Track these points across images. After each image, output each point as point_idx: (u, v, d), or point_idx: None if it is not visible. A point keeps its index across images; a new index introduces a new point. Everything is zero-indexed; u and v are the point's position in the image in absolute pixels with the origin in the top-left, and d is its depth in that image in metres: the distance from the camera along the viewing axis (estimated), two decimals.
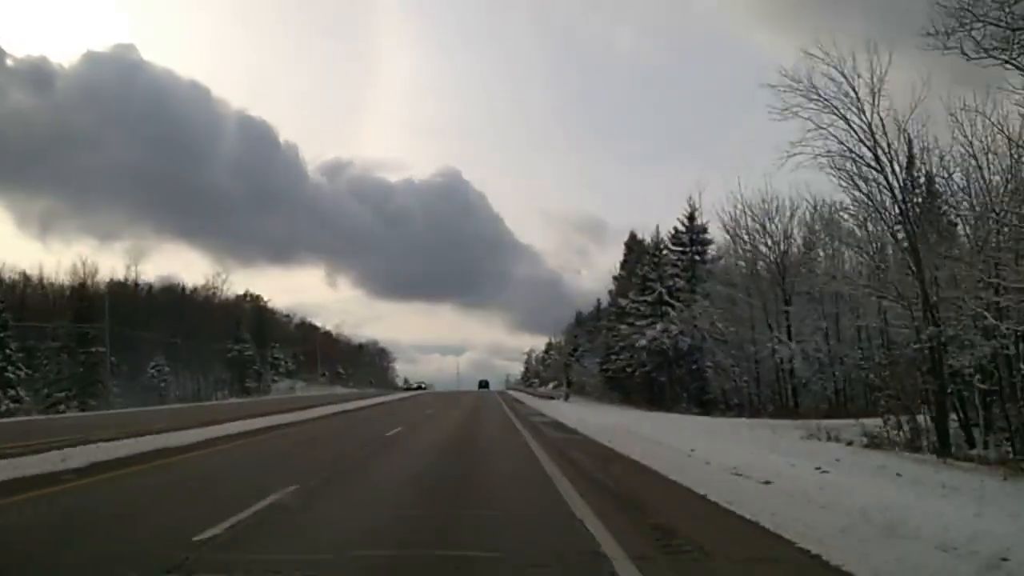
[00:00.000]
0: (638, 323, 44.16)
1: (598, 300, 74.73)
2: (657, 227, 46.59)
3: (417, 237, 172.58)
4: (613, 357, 50.01)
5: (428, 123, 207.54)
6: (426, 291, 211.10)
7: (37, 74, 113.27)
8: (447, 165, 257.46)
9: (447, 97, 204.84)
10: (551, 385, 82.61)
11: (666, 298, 42.89)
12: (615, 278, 58.77)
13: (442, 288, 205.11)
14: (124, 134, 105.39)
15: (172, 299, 76.36)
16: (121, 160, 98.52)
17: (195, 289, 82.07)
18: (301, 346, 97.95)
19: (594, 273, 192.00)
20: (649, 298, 44.21)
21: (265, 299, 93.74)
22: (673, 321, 40.87)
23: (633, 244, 56.19)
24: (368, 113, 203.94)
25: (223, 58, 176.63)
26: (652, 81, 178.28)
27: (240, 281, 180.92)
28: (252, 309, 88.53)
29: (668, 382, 42.09)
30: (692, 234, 43.80)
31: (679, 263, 43.94)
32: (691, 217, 43.72)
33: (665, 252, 45.41)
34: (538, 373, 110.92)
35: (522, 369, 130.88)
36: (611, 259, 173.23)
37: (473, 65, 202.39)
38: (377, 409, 36.34)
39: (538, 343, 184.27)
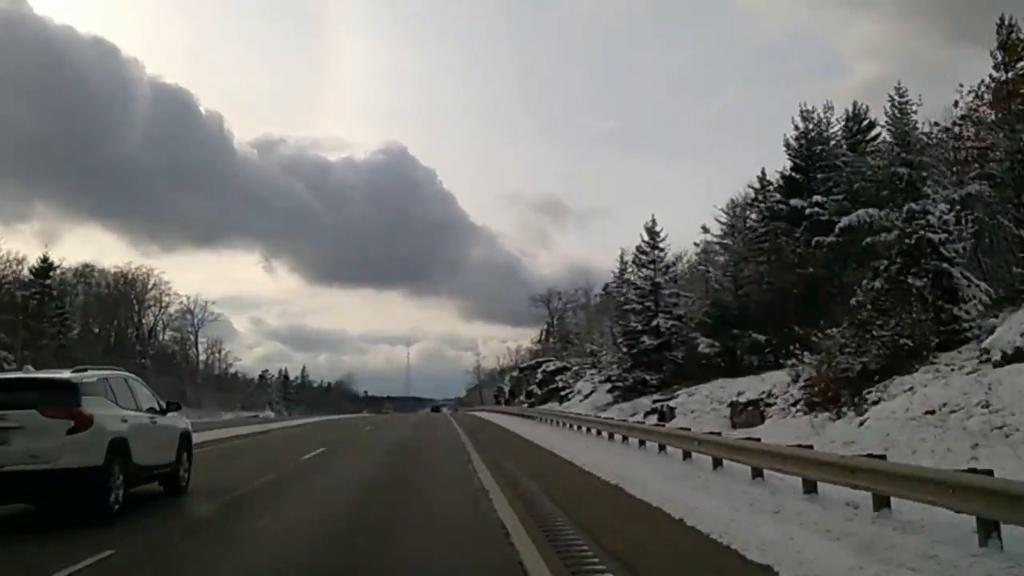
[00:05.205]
0: None
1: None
2: None
3: (362, 217, 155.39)
4: None
5: (371, 98, 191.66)
6: (374, 277, 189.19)
7: None
8: (392, 141, 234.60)
9: (390, 71, 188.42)
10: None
11: None
12: None
13: (391, 273, 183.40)
14: (18, 100, 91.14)
15: None
16: (18, 132, 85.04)
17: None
18: None
19: (554, 256, 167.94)
20: None
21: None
22: None
23: None
24: (306, 89, 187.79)
25: (133, 16, 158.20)
26: (615, 56, 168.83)
27: (169, 266, 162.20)
28: None
29: None
30: None
31: None
32: None
33: None
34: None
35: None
36: (572, 242, 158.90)
37: (419, 36, 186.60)
38: None
39: (494, 332, 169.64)
